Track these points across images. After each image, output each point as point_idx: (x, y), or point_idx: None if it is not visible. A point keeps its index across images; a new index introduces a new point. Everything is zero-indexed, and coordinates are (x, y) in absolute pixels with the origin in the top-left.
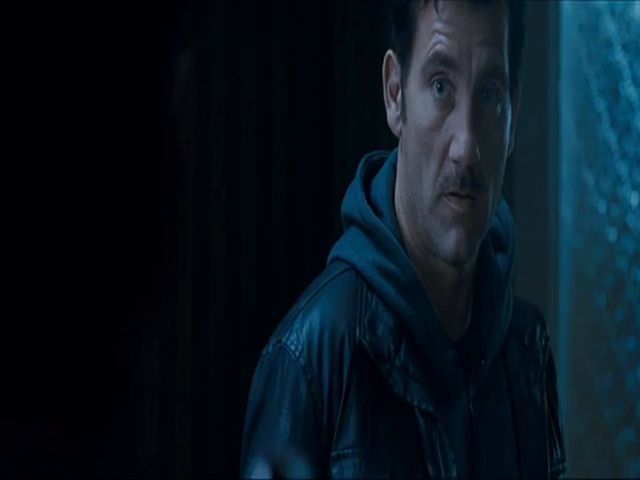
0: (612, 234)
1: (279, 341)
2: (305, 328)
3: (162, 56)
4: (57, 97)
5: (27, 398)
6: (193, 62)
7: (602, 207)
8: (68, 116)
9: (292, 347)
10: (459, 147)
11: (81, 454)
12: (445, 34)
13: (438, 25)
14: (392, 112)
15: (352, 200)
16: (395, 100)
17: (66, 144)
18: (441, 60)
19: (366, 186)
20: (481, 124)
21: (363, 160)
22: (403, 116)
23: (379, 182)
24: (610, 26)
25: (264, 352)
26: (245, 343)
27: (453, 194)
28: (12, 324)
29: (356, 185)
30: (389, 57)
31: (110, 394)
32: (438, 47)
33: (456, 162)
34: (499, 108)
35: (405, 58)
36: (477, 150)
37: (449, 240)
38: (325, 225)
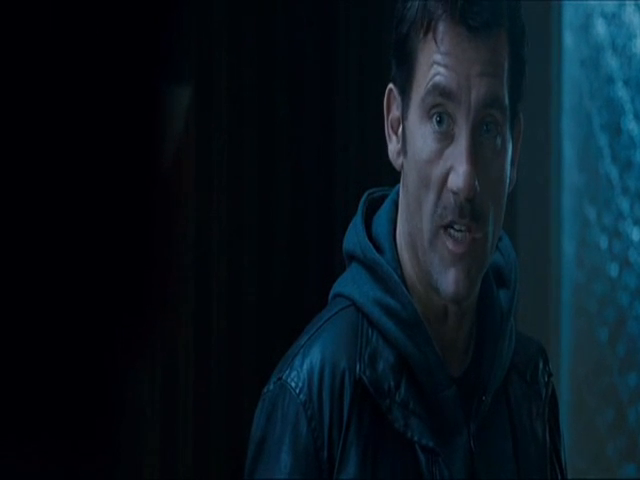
0: (614, 269)
1: (280, 378)
2: (305, 365)
3: (164, 76)
4: (58, 116)
5: (23, 412)
6: (193, 90)
7: (604, 242)
8: (68, 136)
9: (292, 384)
10: (458, 178)
11: (81, 472)
12: (444, 65)
13: (437, 57)
14: (393, 146)
15: (353, 237)
16: (396, 134)
17: (65, 163)
18: (440, 92)
19: (367, 223)
20: (480, 157)
21: (364, 197)
22: (404, 149)
23: (380, 219)
24: (612, 61)
25: (265, 390)
26: (248, 356)
27: (451, 225)
28: (7, 334)
29: (357, 222)
30: (390, 91)
31: (108, 410)
32: (437, 79)
33: (455, 193)
34: (499, 141)
35: (405, 91)
36: (476, 182)
37: (448, 279)
38: (328, 254)
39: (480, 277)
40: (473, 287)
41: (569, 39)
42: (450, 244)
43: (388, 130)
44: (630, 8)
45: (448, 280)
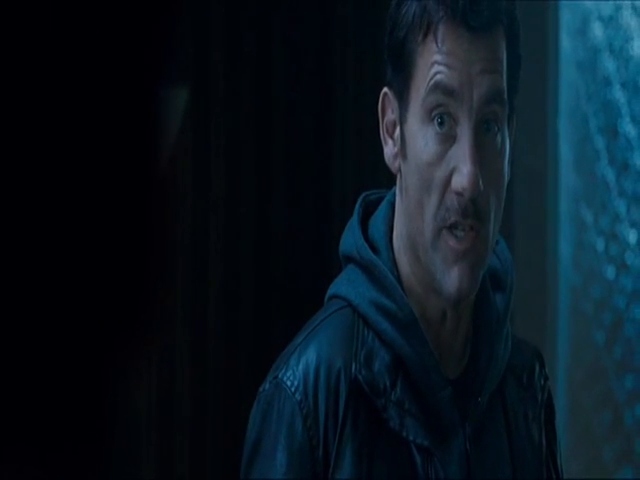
0: (610, 272)
1: (275, 377)
2: (301, 364)
3: (160, 80)
4: (55, 118)
5: (15, 420)
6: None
7: (600, 245)
8: (65, 137)
9: (288, 383)
10: (462, 178)
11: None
12: (445, 64)
13: (438, 57)
14: (389, 149)
15: (349, 238)
16: (392, 137)
17: (62, 165)
18: (442, 90)
19: (364, 224)
20: (483, 156)
21: (361, 198)
22: (402, 152)
23: (377, 220)
24: (609, 64)
25: (261, 389)
26: (244, 358)
27: (454, 226)
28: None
29: (354, 223)
30: (385, 94)
31: (103, 415)
32: (438, 77)
33: (459, 194)
34: (499, 138)
35: (403, 95)
36: (480, 181)
37: (451, 277)
38: (325, 255)
39: (481, 275)
40: (475, 284)
41: (566, 42)
42: (453, 242)
43: (383, 134)
44: (627, 11)
45: (451, 278)
